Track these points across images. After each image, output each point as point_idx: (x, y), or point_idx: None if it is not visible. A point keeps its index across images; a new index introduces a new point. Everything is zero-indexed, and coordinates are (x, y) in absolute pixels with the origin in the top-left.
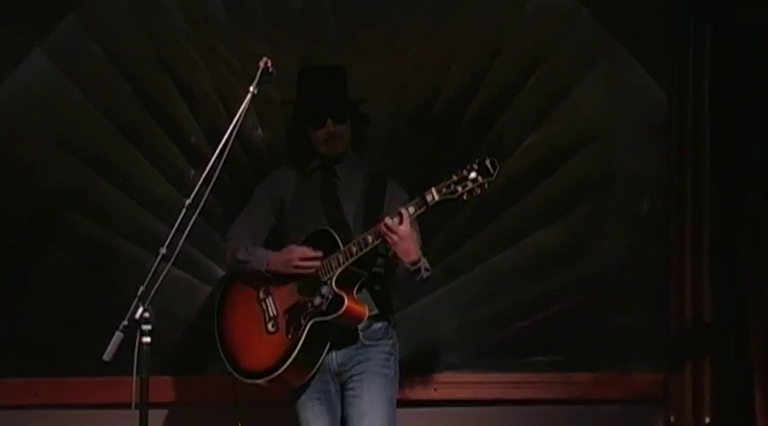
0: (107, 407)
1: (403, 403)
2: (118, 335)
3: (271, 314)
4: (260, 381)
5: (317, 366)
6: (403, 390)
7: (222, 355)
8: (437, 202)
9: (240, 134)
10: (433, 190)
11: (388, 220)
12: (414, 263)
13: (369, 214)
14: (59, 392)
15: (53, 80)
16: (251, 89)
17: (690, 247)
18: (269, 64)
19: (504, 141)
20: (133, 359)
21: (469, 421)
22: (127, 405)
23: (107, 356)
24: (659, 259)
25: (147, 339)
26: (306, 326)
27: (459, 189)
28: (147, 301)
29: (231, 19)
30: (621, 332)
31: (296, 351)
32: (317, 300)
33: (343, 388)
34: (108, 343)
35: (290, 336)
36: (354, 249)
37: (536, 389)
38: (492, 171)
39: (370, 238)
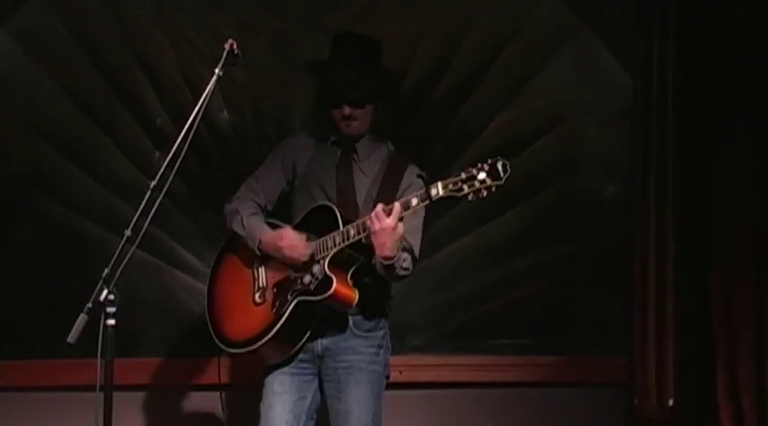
0: (71, 389)
1: None
2: (82, 317)
3: (260, 284)
4: (237, 351)
5: (299, 346)
6: None
7: (207, 317)
8: (441, 197)
9: (205, 116)
10: (439, 184)
11: (380, 207)
12: (386, 259)
13: (381, 197)
14: (23, 374)
15: (18, 62)
16: (216, 71)
17: (654, 231)
18: (234, 46)
19: (470, 123)
20: (98, 342)
21: (435, 404)
22: (91, 388)
23: (71, 338)
24: (624, 243)
25: (111, 321)
26: (291, 303)
27: (466, 188)
28: (112, 283)
29: (199, 1)
30: (586, 315)
31: (277, 327)
32: (307, 278)
33: (323, 373)
34: (72, 326)
35: (274, 310)
36: (353, 232)
37: (501, 372)
38: (502, 174)
39: (369, 223)
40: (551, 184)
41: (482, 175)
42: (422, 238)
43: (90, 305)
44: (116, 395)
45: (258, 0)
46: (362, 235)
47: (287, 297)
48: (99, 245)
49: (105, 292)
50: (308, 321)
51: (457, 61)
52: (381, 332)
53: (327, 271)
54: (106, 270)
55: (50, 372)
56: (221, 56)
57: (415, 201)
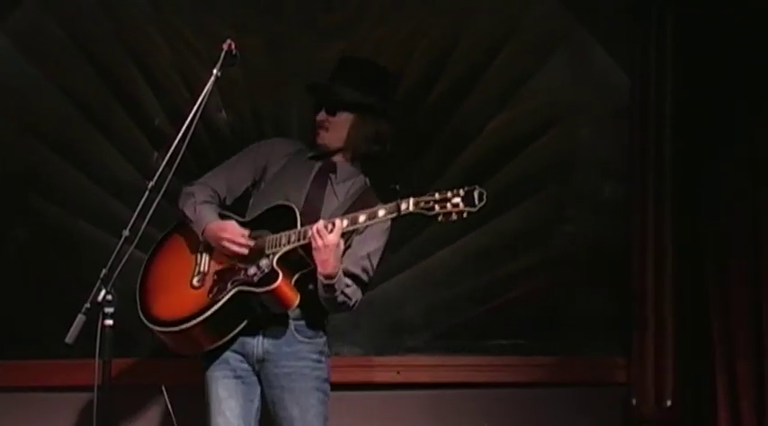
0: (69, 390)
1: (365, 386)
2: (80, 318)
3: (201, 269)
4: (163, 329)
5: (226, 337)
6: (366, 373)
7: (137, 292)
8: (410, 213)
9: (203, 116)
10: (411, 200)
11: (321, 223)
12: (327, 277)
13: None
14: (21, 374)
15: (14, 62)
16: (214, 71)
17: (652, 231)
18: (233, 46)
19: (466, 125)
20: (95, 342)
21: (432, 404)
22: (89, 388)
23: (69, 339)
24: (621, 243)
25: (109, 321)
26: (230, 291)
27: (437, 208)
28: (110, 284)
29: (194, 1)
30: (584, 315)
31: (210, 312)
32: (252, 270)
33: (264, 378)
34: (70, 326)
35: (210, 296)
36: (310, 233)
37: (498, 372)
38: (477, 203)
39: (311, 239)
40: (548, 185)
41: (456, 200)
42: (378, 263)
43: (88, 305)
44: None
45: (254, 1)
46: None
47: (227, 285)
48: (96, 246)
49: (103, 292)
50: (243, 314)
51: (452, 63)
52: (323, 340)
53: (275, 266)
54: (104, 271)
55: (48, 372)
56: (218, 56)
57: (382, 212)
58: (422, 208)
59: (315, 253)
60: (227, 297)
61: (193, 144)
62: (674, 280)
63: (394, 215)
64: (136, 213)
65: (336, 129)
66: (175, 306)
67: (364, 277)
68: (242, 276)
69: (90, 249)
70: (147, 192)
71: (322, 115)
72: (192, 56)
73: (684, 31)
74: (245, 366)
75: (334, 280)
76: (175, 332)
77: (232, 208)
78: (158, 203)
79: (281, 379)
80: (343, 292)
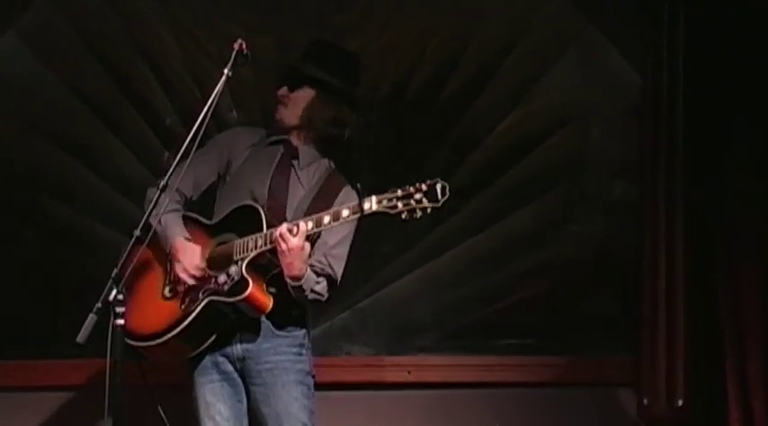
0: (80, 389)
1: (376, 386)
2: (91, 317)
3: (172, 278)
4: (139, 344)
5: (203, 346)
6: (377, 373)
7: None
8: (374, 212)
9: (215, 116)
10: (374, 198)
11: (284, 226)
12: (293, 279)
13: (312, 209)
14: (32, 374)
15: (25, 61)
16: (225, 71)
17: (663, 231)
18: (244, 46)
19: (477, 125)
20: (107, 342)
21: (443, 404)
22: (100, 387)
23: (81, 338)
24: (632, 242)
25: (120, 321)
26: (202, 302)
27: (400, 205)
28: (121, 283)
29: (205, 0)
30: (594, 315)
31: (183, 325)
32: (222, 278)
33: (247, 376)
34: (80, 325)
35: (183, 307)
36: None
37: (509, 372)
38: (440, 197)
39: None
40: (558, 185)
41: (419, 195)
42: (347, 262)
43: (99, 305)
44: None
45: (265, 1)
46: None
47: (198, 295)
48: (107, 245)
49: (114, 292)
50: (217, 323)
51: (463, 63)
52: (302, 332)
53: (244, 273)
54: (115, 270)
55: (59, 372)
56: (229, 56)
57: (345, 213)
58: (385, 207)
59: (280, 257)
60: (199, 308)
61: (204, 143)
62: (684, 280)
63: (358, 215)
64: (147, 212)
65: (295, 105)
66: (149, 319)
67: (336, 268)
68: (212, 285)
69: (101, 248)
70: (158, 192)
71: (283, 91)
72: (202, 55)
73: (696, 31)
74: (228, 367)
75: (301, 282)
76: (152, 346)
77: (197, 204)
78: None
79: (263, 375)
80: (312, 290)
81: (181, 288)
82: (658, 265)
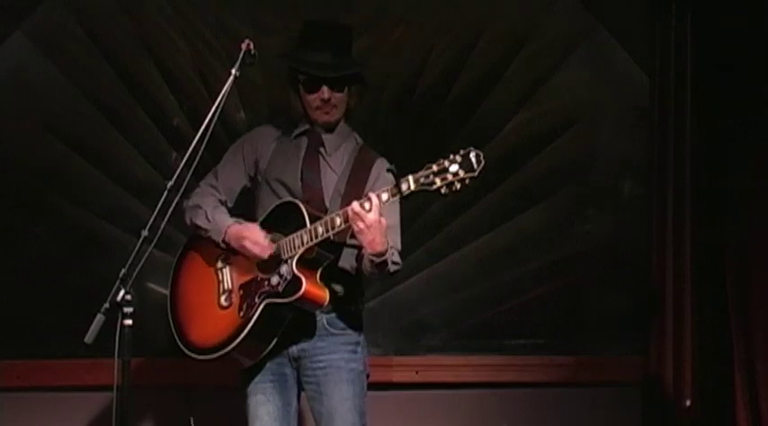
0: (89, 389)
1: (385, 386)
2: (99, 318)
3: (226, 286)
4: (205, 358)
5: (269, 348)
6: (385, 373)
7: (171, 324)
8: (413, 192)
9: (222, 116)
10: (410, 178)
11: (356, 205)
12: (378, 255)
13: (348, 193)
14: (40, 374)
15: (34, 62)
16: (233, 71)
17: (671, 230)
18: (251, 46)
19: (486, 124)
20: (115, 342)
21: (451, 404)
22: (108, 388)
23: (89, 338)
24: (641, 242)
25: (128, 321)
26: (259, 306)
27: (438, 181)
28: (129, 284)
29: (214, 1)
30: (603, 315)
31: (245, 332)
32: (275, 279)
33: (302, 375)
34: (89, 325)
35: (241, 314)
36: (321, 230)
37: (517, 372)
38: (476, 166)
39: (338, 220)
40: (568, 183)
41: (454, 167)
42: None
43: (107, 305)
44: (132, 395)
45: (272, 0)
46: (331, 232)
47: (254, 299)
48: (115, 245)
49: (122, 292)
50: (278, 323)
51: (473, 61)
52: (357, 331)
53: (296, 272)
54: (123, 270)
55: (67, 372)
56: (237, 56)
57: (385, 196)
58: (422, 184)
59: (360, 236)
60: (257, 312)
61: (212, 144)
62: (692, 279)
63: (397, 197)
64: (155, 213)
65: (342, 104)
66: (210, 331)
67: (398, 246)
68: (266, 287)
69: (109, 248)
70: (166, 192)
71: (326, 92)
72: (211, 55)
73: (704, 30)
74: (283, 369)
75: (385, 256)
76: (216, 358)
77: (235, 211)
78: (177, 203)
79: (317, 373)
80: (392, 262)
81: (236, 297)
82: (666, 264)
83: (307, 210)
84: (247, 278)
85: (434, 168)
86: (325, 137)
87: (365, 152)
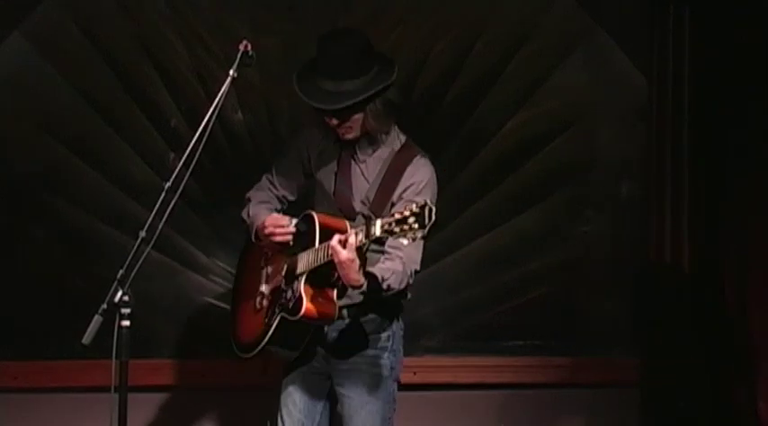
0: (86, 391)
1: None
2: (97, 319)
3: (262, 289)
4: (243, 355)
5: (300, 348)
6: None
7: (230, 318)
8: (377, 237)
9: (220, 117)
10: (378, 223)
11: (335, 239)
12: (354, 289)
13: (376, 202)
14: (38, 375)
15: (32, 63)
16: (231, 72)
17: (669, 231)
18: (249, 47)
19: (484, 125)
20: (112, 343)
21: (449, 405)
22: (106, 389)
23: (86, 339)
24: (639, 243)
25: (126, 322)
26: (276, 317)
27: (398, 230)
28: (127, 285)
29: (212, 1)
30: (601, 316)
31: (265, 340)
32: (289, 294)
33: (332, 375)
34: (86, 326)
35: (266, 320)
36: (321, 254)
37: (516, 373)
38: (426, 222)
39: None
40: (565, 185)
41: (411, 219)
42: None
43: (105, 306)
44: (130, 397)
45: (271, 1)
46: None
47: (275, 309)
48: (113, 246)
49: (120, 293)
50: (301, 330)
51: (471, 63)
52: (386, 334)
53: (301, 291)
54: (121, 272)
55: (65, 373)
56: (235, 56)
57: (360, 237)
58: (385, 231)
59: (338, 268)
60: (275, 324)
61: (210, 145)
62: (691, 281)
63: (368, 239)
64: (153, 214)
65: (356, 123)
66: (247, 331)
67: (414, 265)
68: (283, 300)
69: (107, 249)
70: (163, 193)
71: (336, 122)
72: (208, 56)
73: (701, 31)
74: (316, 364)
75: (362, 289)
76: (251, 357)
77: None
78: (175, 204)
79: (341, 375)
80: (384, 289)
81: (266, 301)
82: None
83: (320, 227)
84: (276, 284)
85: (396, 216)
86: (359, 144)
87: (403, 152)
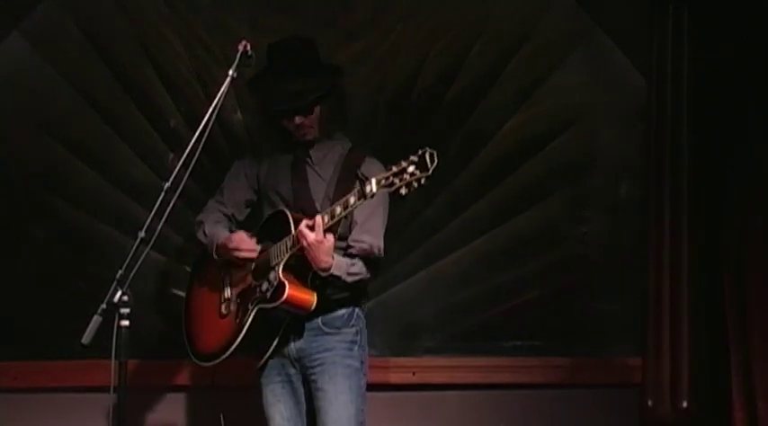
0: (85, 390)
1: (381, 387)
2: (96, 319)
3: (226, 296)
4: (208, 364)
5: (271, 348)
6: (382, 374)
7: (184, 335)
8: (374, 194)
9: (219, 117)
10: (373, 180)
11: (303, 224)
12: (322, 271)
13: (337, 197)
14: (37, 376)
15: (31, 63)
16: (230, 72)
17: (668, 231)
18: (248, 47)
19: (483, 125)
20: (111, 343)
21: (448, 406)
22: (105, 389)
23: (86, 339)
24: (637, 243)
25: (125, 322)
26: (251, 312)
27: (397, 181)
28: (126, 284)
29: (212, 2)
30: (599, 316)
31: (240, 337)
32: (265, 286)
33: (305, 375)
34: (85, 326)
35: (237, 320)
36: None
37: (514, 373)
38: (429, 165)
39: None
40: (564, 186)
41: (411, 168)
42: (384, 233)
43: (104, 306)
44: (129, 397)
45: (270, 1)
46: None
47: (248, 306)
48: (112, 246)
49: (119, 293)
50: (276, 325)
51: (470, 63)
52: (354, 329)
53: (281, 277)
54: (120, 272)
55: (64, 373)
56: (234, 57)
57: (352, 200)
58: (384, 186)
59: (306, 253)
60: (250, 318)
61: (209, 145)
62: (689, 281)
63: (362, 201)
64: (152, 214)
65: (316, 122)
66: (212, 338)
67: (370, 241)
68: (258, 294)
69: (107, 249)
70: (163, 193)
71: (299, 119)
72: (207, 56)
73: (700, 32)
74: (290, 370)
75: (329, 272)
76: (219, 363)
77: (245, 224)
78: (174, 204)
79: (315, 371)
80: (349, 273)
81: (233, 305)
82: (663, 266)
83: (293, 217)
84: (244, 286)
85: (394, 169)
86: (312, 148)
87: (353, 154)
